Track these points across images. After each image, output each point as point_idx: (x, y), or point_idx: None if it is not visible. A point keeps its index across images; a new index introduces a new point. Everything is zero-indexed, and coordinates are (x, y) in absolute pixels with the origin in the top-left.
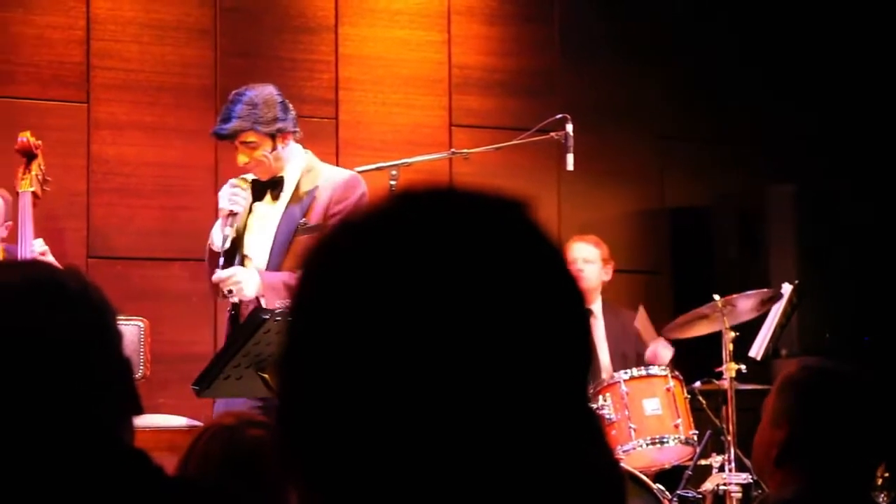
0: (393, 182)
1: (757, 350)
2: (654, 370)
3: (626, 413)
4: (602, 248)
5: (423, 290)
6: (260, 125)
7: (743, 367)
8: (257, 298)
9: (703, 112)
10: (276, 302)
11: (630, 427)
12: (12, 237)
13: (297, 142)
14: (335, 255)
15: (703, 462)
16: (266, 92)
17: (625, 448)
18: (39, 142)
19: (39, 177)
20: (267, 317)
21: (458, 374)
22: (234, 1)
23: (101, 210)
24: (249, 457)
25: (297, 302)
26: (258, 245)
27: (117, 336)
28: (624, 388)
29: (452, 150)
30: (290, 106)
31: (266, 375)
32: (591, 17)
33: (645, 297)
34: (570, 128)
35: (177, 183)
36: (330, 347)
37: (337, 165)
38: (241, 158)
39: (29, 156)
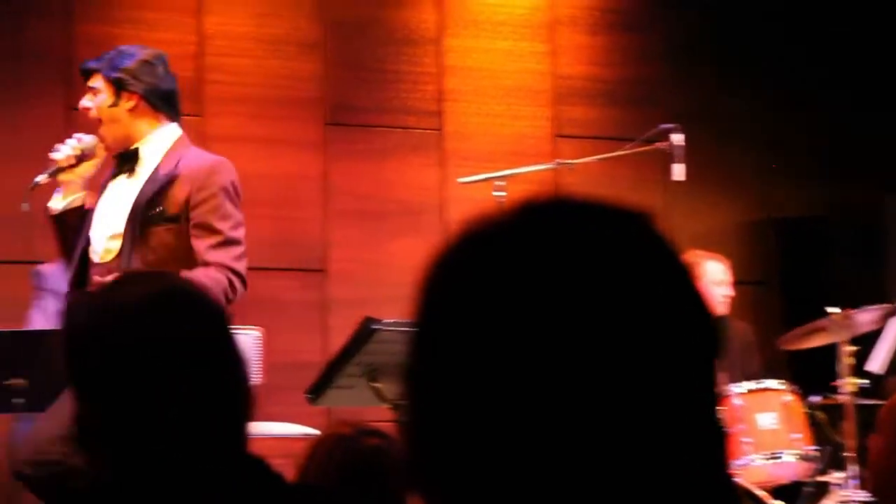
0: (498, 193)
1: (876, 364)
2: (769, 384)
3: (740, 427)
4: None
5: (554, 301)
6: (107, 70)
7: (863, 381)
8: None
9: (815, 120)
10: None
11: (744, 441)
12: None
13: (175, 125)
14: (460, 266)
15: (821, 479)
16: (143, 49)
17: (739, 463)
18: None
19: None
20: (378, 327)
21: (586, 385)
22: (342, 14)
23: None
24: (368, 465)
25: (423, 314)
26: (102, 228)
27: (237, 345)
28: (738, 401)
29: (557, 160)
30: (162, 75)
31: (378, 385)
32: (695, 24)
33: (752, 308)
34: (676, 137)
35: (287, 194)
36: (458, 360)
37: (442, 177)
38: (83, 101)
39: None
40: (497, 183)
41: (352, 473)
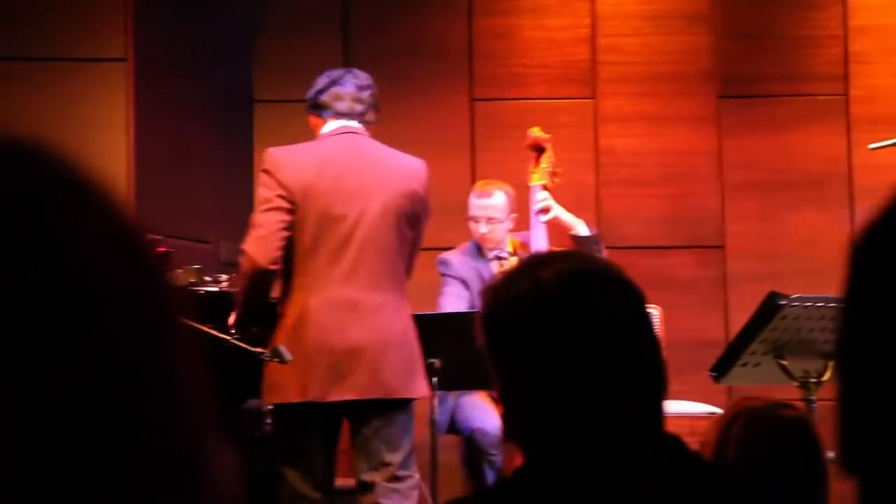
0: None
1: None
2: None
3: None
4: None
5: None
6: None
7: None
8: None
9: None
10: None
11: None
12: (517, 228)
13: (335, 122)
14: None
15: None
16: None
17: None
18: (548, 136)
19: (549, 170)
20: (784, 302)
21: None
22: None
23: (609, 201)
24: (789, 437)
25: (856, 287)
26: None
27: (651, 322)
28: None
29: None
30: (321, 86)
31: (785, 362)
32: None
33: None
34: None
35: (681, 171)
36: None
37: (848, 144)
38: None
39: (538, 150)
40: None
41: (772, 446)
